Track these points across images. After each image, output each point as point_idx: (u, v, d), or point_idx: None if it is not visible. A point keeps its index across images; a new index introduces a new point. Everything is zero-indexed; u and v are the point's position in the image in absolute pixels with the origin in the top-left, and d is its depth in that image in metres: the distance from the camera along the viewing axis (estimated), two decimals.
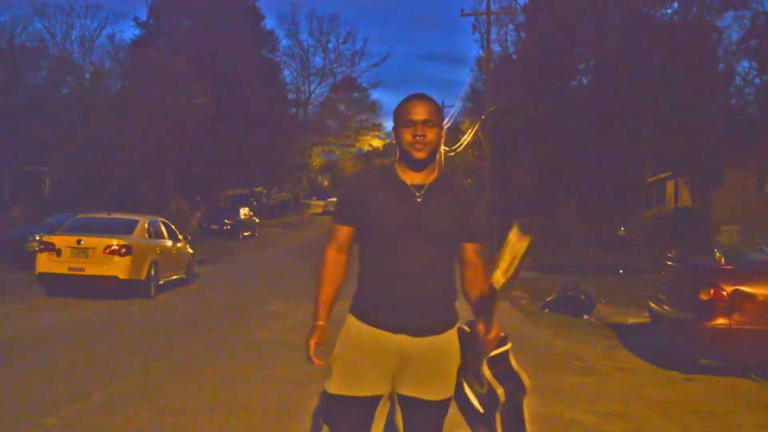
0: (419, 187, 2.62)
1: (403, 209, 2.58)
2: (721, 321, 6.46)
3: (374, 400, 2.61)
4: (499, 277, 2.38)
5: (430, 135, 2.59)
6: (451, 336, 2.65)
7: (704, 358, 6.88)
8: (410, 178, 2.64)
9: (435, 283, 2.59)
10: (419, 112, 2.60)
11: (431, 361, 2.58)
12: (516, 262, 2.38)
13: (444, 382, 2.63)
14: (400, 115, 2.63)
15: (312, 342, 2.67)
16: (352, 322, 2.66)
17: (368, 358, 2.58)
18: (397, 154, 2.71)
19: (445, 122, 39.61)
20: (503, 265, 2.37)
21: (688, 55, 26.23)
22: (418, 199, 2.60)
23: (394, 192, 2.61)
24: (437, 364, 2.60)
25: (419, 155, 2.60)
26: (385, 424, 2.68)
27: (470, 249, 2.69)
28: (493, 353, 2.55)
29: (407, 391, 2.61)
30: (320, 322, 2.65)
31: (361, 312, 2.63)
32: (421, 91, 2.70)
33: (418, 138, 2.57)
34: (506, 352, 2.64)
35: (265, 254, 23.65)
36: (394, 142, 2.77)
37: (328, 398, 2.70)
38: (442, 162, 36.77)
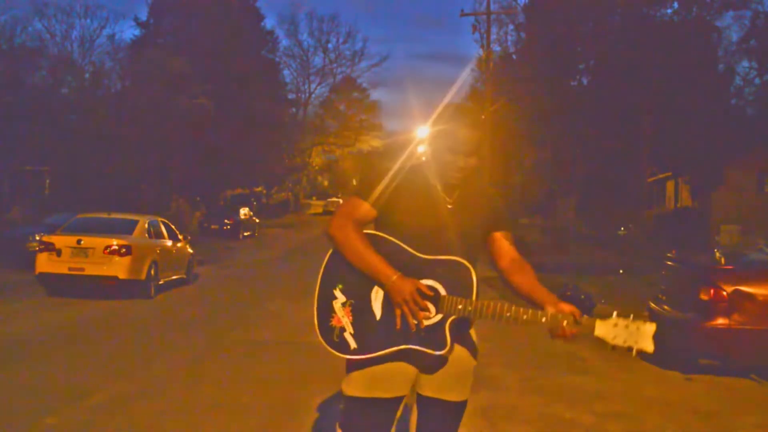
0: (449, 190, 2.57)
1: (434, 215, 2.52)
2: (721, 321, 6.47)
3: (397, 402, 2.51)
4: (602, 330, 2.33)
5: (471, 163, 2.54)
6: (471, 334, 2.62)
7: (704, 358, 6.88)
8: (440, 183, 2.58)
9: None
10: (466, 143, 2.52)
11: (453, 361, 2.51)
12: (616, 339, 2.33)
13: (464, 383, 2.58)
14: (444, 138, 2.53)
15: (412, 288, 2.36)
16: None
17: (391, 357, 2.45)
18: (425, 157, 2.66)
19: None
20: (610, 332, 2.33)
21: (688, 55, 26.24)
22: (449, 206, 2.56)
23: (426, 196, 2.55)
24: (459, 363, 2.54)
25: (456, 180, 2.55)
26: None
27: (501, 238, 2.64)
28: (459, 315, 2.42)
29: (428, 391, 2.54)
30: (394, 277, 2.38)
31: None
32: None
33: (460, 169, 2.52)
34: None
35: (265, 254, 23.64)
36: (426, 148, 2.69)
37: (346, 401, 2.54)
38: None
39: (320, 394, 5.59)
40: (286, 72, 53.51)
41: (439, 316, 2.39)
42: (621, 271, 16.30)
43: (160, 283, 12.25)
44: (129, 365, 6.84)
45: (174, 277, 13.14)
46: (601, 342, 2.35)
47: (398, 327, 2.39)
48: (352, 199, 2.59)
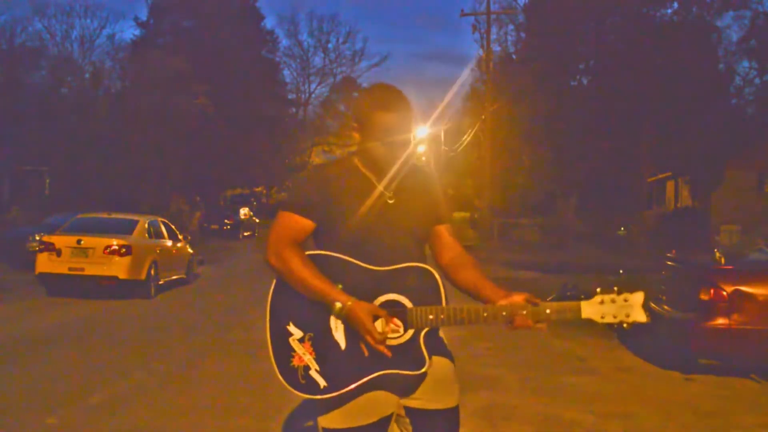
0: (387, 182, 2.33)
1: (374, 212, 2.28)
2: (721, 321, 6.46)
3: (385, 422, 2.27)
4: (591, 311, 2.16)
5: (407, 148, 2.31)
6: (442, 338, 2.40)
7: (704, 358, 6.88)
8: (376, 175, 2.34)
9: None
10: (400, 129, 2.27)
11: (431, 372, 2.26)
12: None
13: (449, 389, 2.36)
14: (376, 125, 2.26)
15: (368, 321, 2.11)
16: None
17: (366, 386, 2.20)
18: (356, 148, 2.39)
19: (444, 122, 39.67)
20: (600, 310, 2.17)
21: (688, 55, 26.24)
22: (390, 200, 2.32)
23: (362, 192, 2.30)
24: (437, 371, 2.30)
25: (391, 168, 2.32)
26: None
27: (444, 231, 2.43)
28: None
29: (414, 402, 2.30)
30: (349, 302, 2.14)
31: None
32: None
33: (394, 158, 2.29)
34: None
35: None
36: (353, 135, 2.37)
37: None
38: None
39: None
40: (286, 72, 53.50)
41: (410, 332, 2.18)
42: (621, 271, 16.29)
43: (160, 283, 12.25)
44: (129, 365, 6.84)
45: (174, 277, 13.14)
46: (591, 323, 2.21)
47: (366, 354, 2.15)
48: (282, 216, 2.31)
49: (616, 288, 2.17)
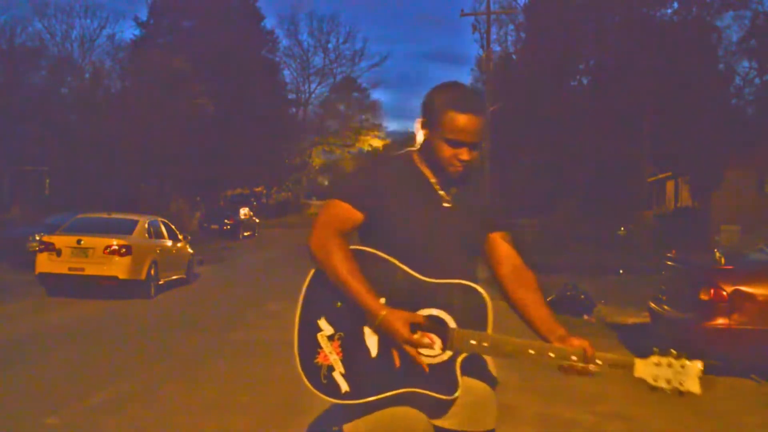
0: (445, 185, 2.19)
1: (429, 216, 2.14)
2: (721, 321, 6.46)
3: None
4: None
5: (474, 156, 2.16)
6: (489, 365, 2.26)
7: (704, 358, 6.87)
8: (435, 176, 2.21)
9: None
10: (472, 132, 2.11)
11: (468, 389, 2.11)
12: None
13: (488, 411, 2.20)
14: (446, 124, 2.10)
15: (404, 330, 1.96)
16: None
17: (390, 400, 2.06)
18: (419, 146, 2.25)
19: None
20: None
21: (688, 55, 26.24)
22: (446, 204, 2.18)
23: (419, 193, 2.16)
24: (474, 392, 2.15)
25: (457, 174, 2.17)
26: None
27: (500, 239, 2.27)
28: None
29: (447, 423, 2.13)
30: (383, 312, 1.98)
31: None
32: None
33: (460, 162, 2.14)
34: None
35: (265, 254, 23.64)
36: (418, 133, 2.23)
37: None
38: None
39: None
40: (286, 72, 53.60)
41: (448, 354, 2.02)
42: (621, 271, 16.29)
43: (160, 283, 12.25)
44: (129, 365, 6.84)
45: (174, 277, 13.14)
46: (640, 381, 2.11)
47: (398, 366, 2.01)
48: (332, 203, 2.17)
49: (674, 352, 2.06)
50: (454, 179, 2.17)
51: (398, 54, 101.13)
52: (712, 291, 6.49)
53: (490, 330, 2.02)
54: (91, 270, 11.20)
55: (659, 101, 27.09)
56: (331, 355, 2.06)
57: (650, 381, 2.04)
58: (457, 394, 2.03)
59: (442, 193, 2.19)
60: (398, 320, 1.96)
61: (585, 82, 34.16)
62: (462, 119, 2.09)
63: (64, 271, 11.23)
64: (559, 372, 2.07)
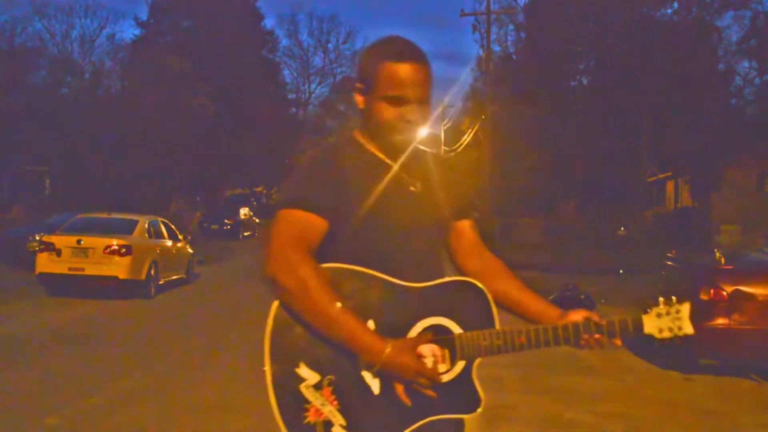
0: (407, 168, 1.83)
1: (397, 205, 1.80)
2: (721, 321, 6.47)
3: None
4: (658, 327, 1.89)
5: (424, 115, 1.79)
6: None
7: (704, 358, 6.88)
8: (385, 151, 1.83)
9: None
10: (416, 84, 1.74)
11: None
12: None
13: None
14: (383, 80, 1.74)
15: (413, 362, 1.64)
16: None
17: None
18: (361, 122, 1.86)
19: (444, 122, 39.67)
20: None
21: (688, 55, 26.24)
22: (412, 188, 1.83)
23: (378, 179, 1.79)
24: None
25: (403, 140, 1.79)
26: None
27: (468, 228, 1.98)
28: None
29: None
30: (388, 350, 1.63)
31: None
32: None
33: (407, 123, 1.76)
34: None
35: None
36: (356, 99, 1.83)
37: None
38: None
39: None
40: (286, 72, 53.60)
41: (461, 364, 1.75)
42: (621, 271, 16.30)
43: (160, 283, 12.25)
44: (129, 365, 6.84)
45: (174, 277, 13.14)
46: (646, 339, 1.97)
47: (408, 404, 1.68)
48: (288, 215, 1.72)
49: (674, 299, 1.97)
50: (402, 147, 1.80)
51: None
52: (712, 291, 6.50)
53: (496, 325, 1.77)
54: (91, 270, 11.20)
55: (659, 101, 27.09)
56: (324, 407, 1.66)
57: (656, 335, 1.93)
58: (480, 409, 1.78)
59: (402, 174, 1.82)
60: (405, 352, 1.63)
61: (585, 82, 34.17)
62: (401, 69, 1.73)
63: (64, 271, 11.22)
64: (579, 349, 1.87)
